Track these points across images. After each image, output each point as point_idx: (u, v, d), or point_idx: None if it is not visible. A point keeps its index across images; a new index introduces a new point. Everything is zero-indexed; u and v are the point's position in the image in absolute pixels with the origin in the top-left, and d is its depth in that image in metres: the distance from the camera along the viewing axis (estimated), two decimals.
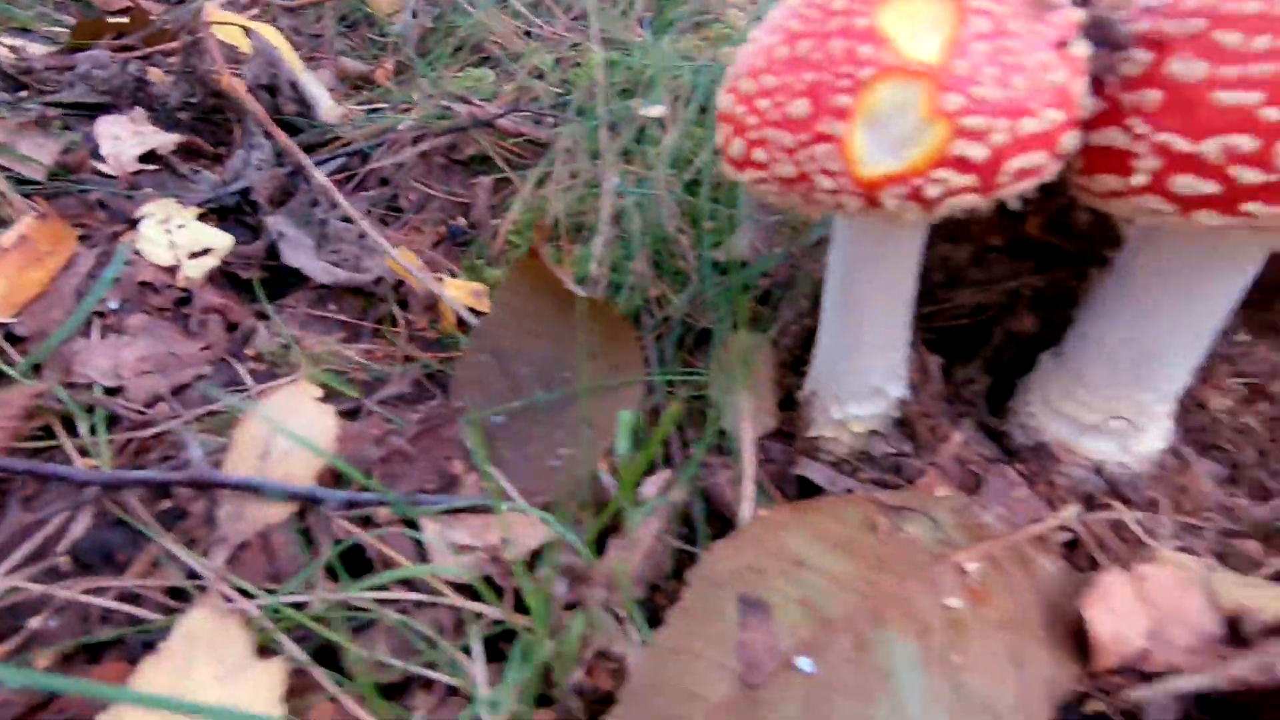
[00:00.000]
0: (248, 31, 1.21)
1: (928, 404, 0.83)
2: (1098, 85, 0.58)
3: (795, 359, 0.92)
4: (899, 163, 0.53)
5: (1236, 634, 0.60)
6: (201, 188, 1.18)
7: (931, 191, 0.53)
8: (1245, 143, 0.51)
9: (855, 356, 0.80)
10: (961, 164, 0.52)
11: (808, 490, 0.80)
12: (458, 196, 1.25)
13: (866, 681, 0.55)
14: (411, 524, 0.65)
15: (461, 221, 1.22)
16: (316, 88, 1.31)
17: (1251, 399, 0.85)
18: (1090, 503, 0.78)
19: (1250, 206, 0.53)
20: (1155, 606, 0.60)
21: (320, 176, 1.09)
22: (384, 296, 1.04)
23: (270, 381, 0.85)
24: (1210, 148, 0.52)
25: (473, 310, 0.95)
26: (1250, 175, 0.52)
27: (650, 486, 0.71)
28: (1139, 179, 0.57)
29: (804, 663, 0.56)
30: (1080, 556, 0.75)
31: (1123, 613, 0.60)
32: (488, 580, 0.59)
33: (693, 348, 0.94)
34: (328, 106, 1.29)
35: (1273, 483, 0.83)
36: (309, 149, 1.26)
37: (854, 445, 0.84)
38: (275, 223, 1.05)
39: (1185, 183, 0.54)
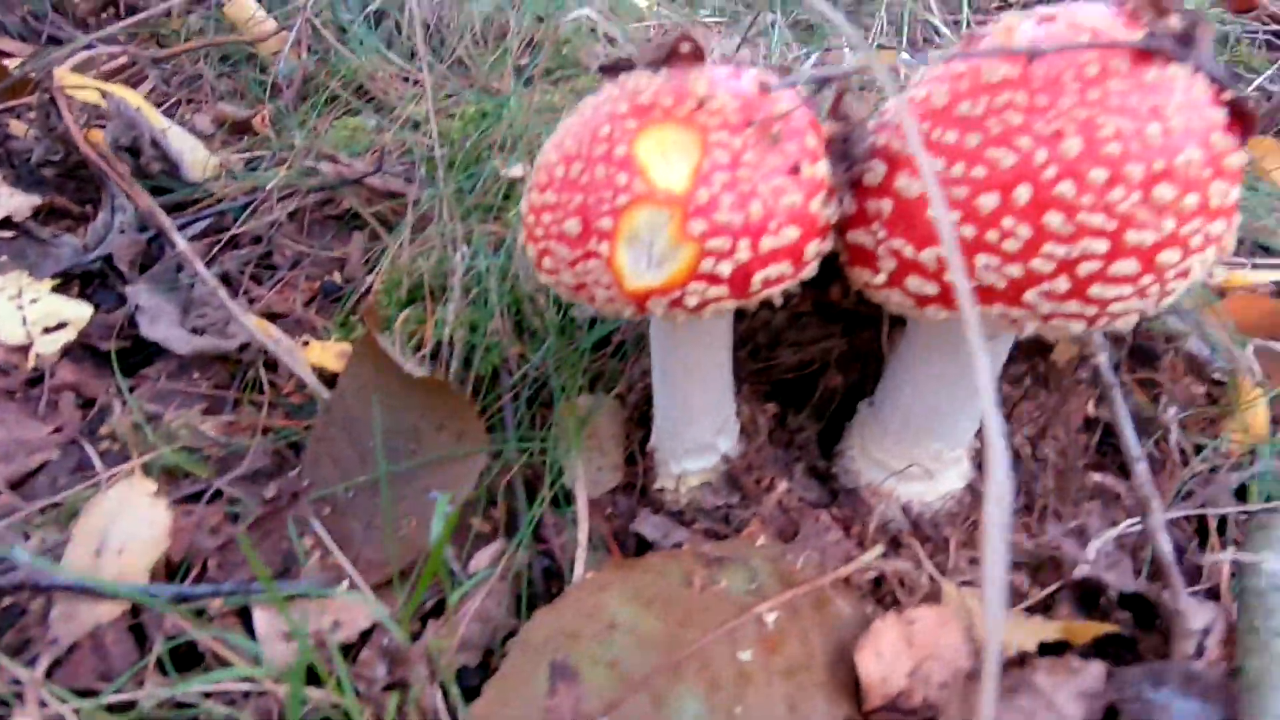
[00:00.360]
0: (103, 94, 1.19)
1: (754, 456, 0.90)
2: (856, 189, 0.65)
3: (643, 414, 0.98)
4: (659, 278, 0.59)
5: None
6: (63, 253, 1.17)
7: (690, 301, 0.60)
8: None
9: (684, 417, 0.86)
10: (713, 278, 0.58)
11: (644, 545, 0.86)
12: (332, 251, 1.27)
13: None
14: (246, 612, 0.68)
15: (336, 277, 1.24)
16: (185, 141, 1.31)
17: (1042, 436, 0.95)
18: (897, 543, 0.87)
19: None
20: (919, 647, 0.69)
21: (181, 242, 1.09)
22: (252, 361, 1.06)
23: (123, 464, 0.87)
24: (927, 256, 0.60)
25: (333, 378, 0.98)
26: (1092, 265, 0.59)
27: (484, 556, 0.75)
28: (881, 277, 0.65)
29: None
30: (885, 595, 0.83)
31: (889, 655, 0.68)
32: (312, 667, 0.63)
33: (549, 404, 0.99)
34: (196, 162, 1.28)
35: (1065, 509, 0.93)
36: (178, 208, 1.26)
37: (691, 497, 0.91)
38: (135, 291, 1.06)
39: (915, 283, 0.62)
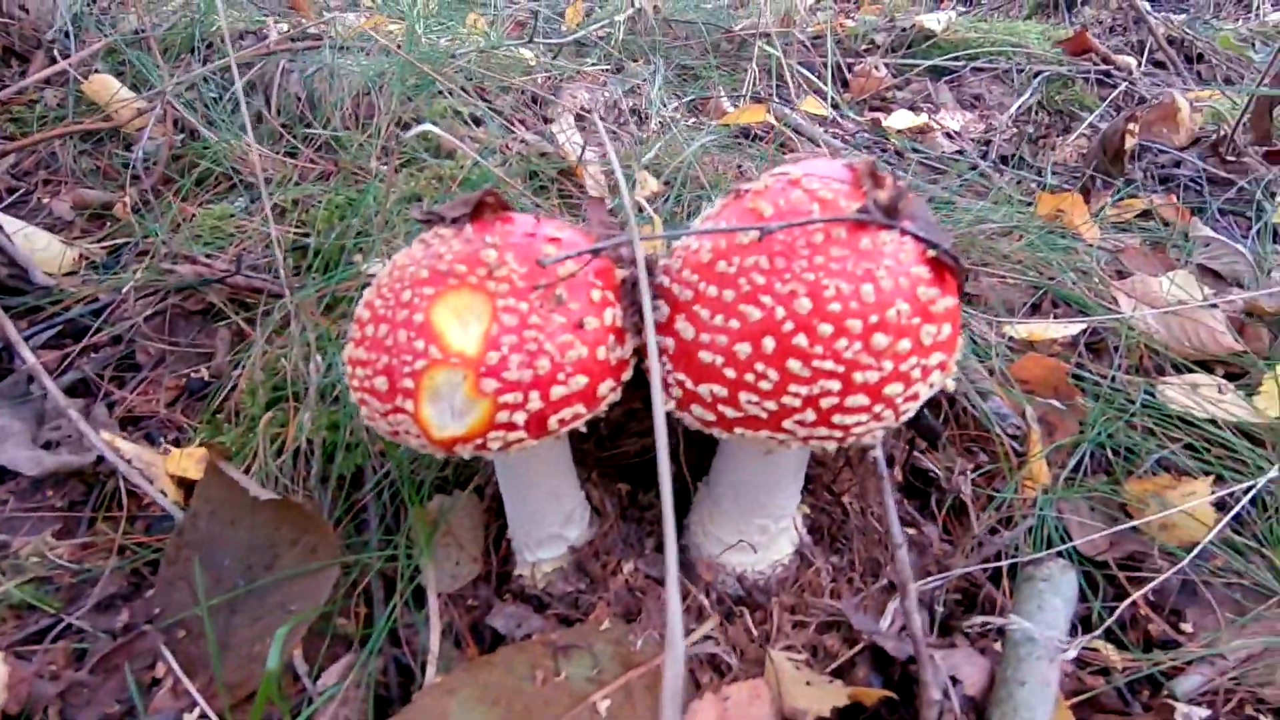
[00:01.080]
0: None
1: (601, 540, 0.97)
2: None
3: (501, 504, 1.04)
4: (462, 428, 0.65)
5: None
6: None
7: (494, 445, 0.66)
8: (719, 390, 0.68)
9: (528, 514, 0.93)
10: (510, 426, 0.65)
11: (498, 638, 0.92)
12: (199, 346, 1.27)
13: None
14: None
15: (203, 373, 1.25)
16: (37, 239, 1.29)
17: (864, 504, 1.06)
18: (731, 614, 0.96)
19: (739, 430, 0.70)
20: None
21: (29, 356, 1.08)
22: (110, 473, 1.06)
23: None
24: (703, 390, 0.69)
25: (193, 486, 1.00)
26: (730, 411, 0.68)
27: (336, 669, 0.80)
28: (672, 403, 0.73)
29: None
30: (721, 665, 0.92)
31: None
32: None
33: (424, 500, 1.04)
34: (49, 259, 1.27)
35: (883, 558, 1.04)
36: (32, 311, 1.24)
37: (546, 583, 0.97)
38: None
39: (698, 411, 0.71)
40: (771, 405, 0.66)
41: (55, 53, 1.72)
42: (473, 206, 0.72)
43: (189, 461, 1.06)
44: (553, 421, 0.67)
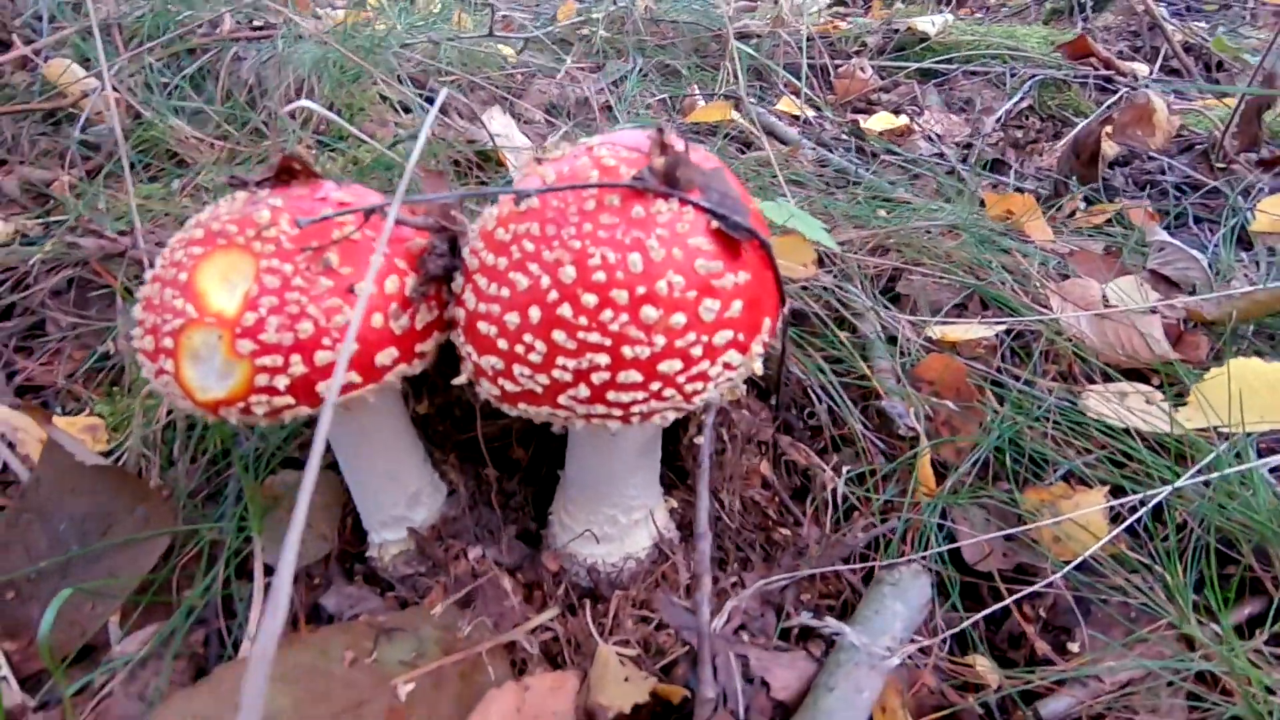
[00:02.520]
0: None
1: (447, 525, 0.95)
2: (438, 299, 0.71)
3: None
4: (223, 391, 0.64)
5: None
6: None
7: (259, 410, 0.65)
8: (496, 362, 0.65)
9: (368, 491, 0.91)
10: (272, 390, 0.64)
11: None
12: (109, 320, 1.29)
13: None
14: None
15: (109, 346, 1.27)
16: None
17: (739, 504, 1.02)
18: (574, 606, 0.92)
19: (522, 405, 0.67)
20: (525, 715, 0.74)
21: None
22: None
23: None
24: (485, 363, 0.66)
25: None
26: (508, 385, 0.66)
27: (134, 640, 0.79)
28: (465, 376, 0.71)
29: None
30: (557, 655, 0.89)
31: None
32: None
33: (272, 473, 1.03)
34: None
35: (752, 555, 1.00)
36: None
37: (393, 565, 0.95)
38: None
39: (485, 385, 0.68)
40: (544, 379, 0.63)
41: (23, 38, 1.78)
42: (275, 170, 0.71)
43: (75, 429, 1.07)
44: (323, 388, 0.65)
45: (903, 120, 2.43)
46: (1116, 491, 1.03)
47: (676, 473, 1.03)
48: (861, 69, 2.70)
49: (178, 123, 1.56)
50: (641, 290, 0.60)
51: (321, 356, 0.64)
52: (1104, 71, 2.78)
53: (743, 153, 2.04)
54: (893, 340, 1.26)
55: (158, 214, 1.40)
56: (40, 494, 0.90)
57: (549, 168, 0.66)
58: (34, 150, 1.69)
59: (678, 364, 0.63)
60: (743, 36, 2.88)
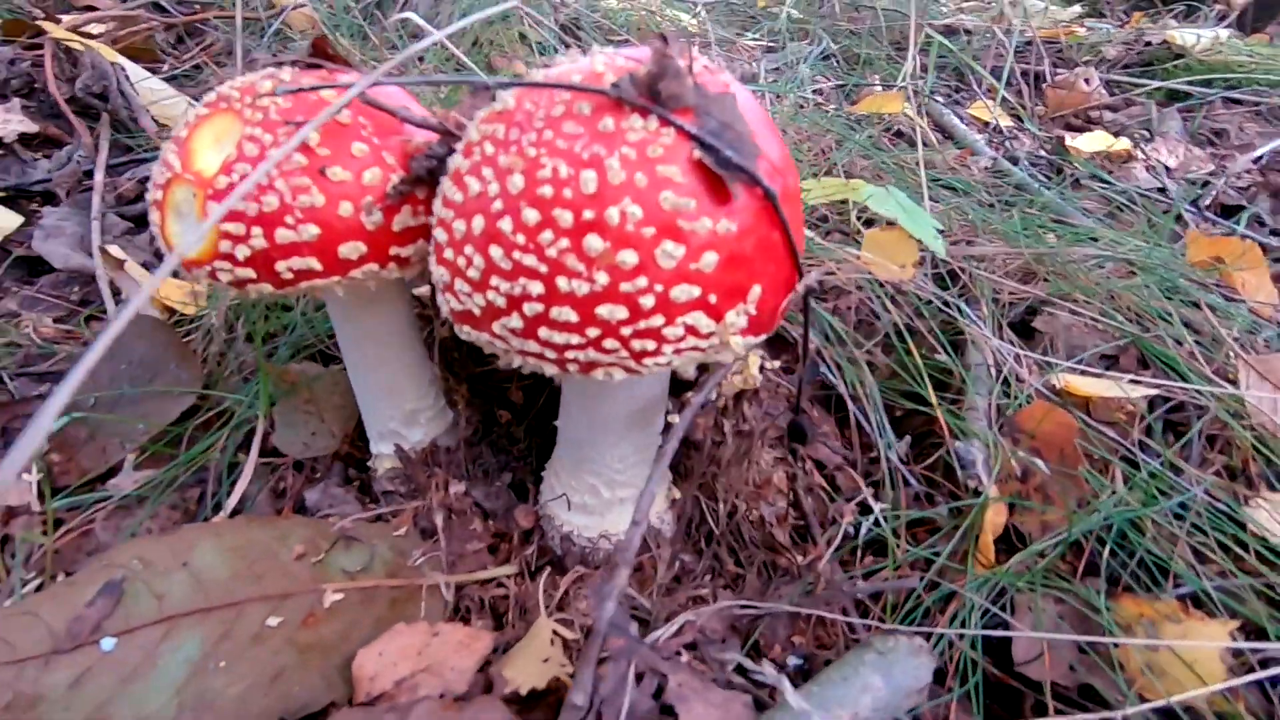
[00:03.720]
0: (85, 48, 1.43)
1: (436, 454, 0.92)
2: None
3: None
4: (196, 250, 0.64)
5: (487, 693, 0.67)
6: (38, 172, 1.41)
7: (223, 277, 0.65)
8: (443, 274, 0.59)
9: (367, 398, 0.91)
10: (232, 258, 0.63)
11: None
12: None
13: (139, 666, 0.67)
14: None
15: None
16: (157, 91, 1.53)
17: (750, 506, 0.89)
18: (534, 571, 0.86)
19: (465, 328, 0.61)
20: (425, 658, 0.69)
21: (99, 176, 1.29)
22: (116, 286, 1.22)
23: None
24: (437, 274, 0.61)
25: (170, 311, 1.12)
26: (452, 300, 0.60)
27: (127, 480, 0.85)
28: (424, 287, 0.66)
29: (107, 643, 0.69)
30: (505, 614, 0.83)
31: (392, 658, 0.69)
32: None
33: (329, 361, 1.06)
34: (162, 111, 1.50)
35: (748, 574, 0.87)
36: (128, 150, 1.47)
37: (386, 476, 0.95)
38: (50, 211, 1.26)
39: (443, 298, 0.63)
40: (480, 300, 0.57)
41: None
42: (309, 52, 0.71)
43: (181, 291, 1.19)
44: (281, 268, 0.63)
45: (1123, 144, 2.05)
46: (1254, 633, 0.77)
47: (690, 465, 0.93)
48: (1086, 80, 2.31)
49: (347, 44, 1.68)
50: (589, 215, 0.52)
51: (282, 234, 0.62)
52: None
53: (900, 146, 1.82)
54: (1003, 379, 1.04)
55: None
56: (127, 331, 1.00)
57: (542, 71, 0.59)
58: (245, 57, 1.91)
59: (621, 311, 0.53)
60: (950, 32, 2.59)
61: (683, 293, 0.54)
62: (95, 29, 1.58)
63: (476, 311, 0.58)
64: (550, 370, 0.58)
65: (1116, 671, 0.76)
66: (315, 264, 0.64)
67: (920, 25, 2.44)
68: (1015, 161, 1.90)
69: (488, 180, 0.55)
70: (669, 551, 0.87)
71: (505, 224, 0.54)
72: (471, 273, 0.56)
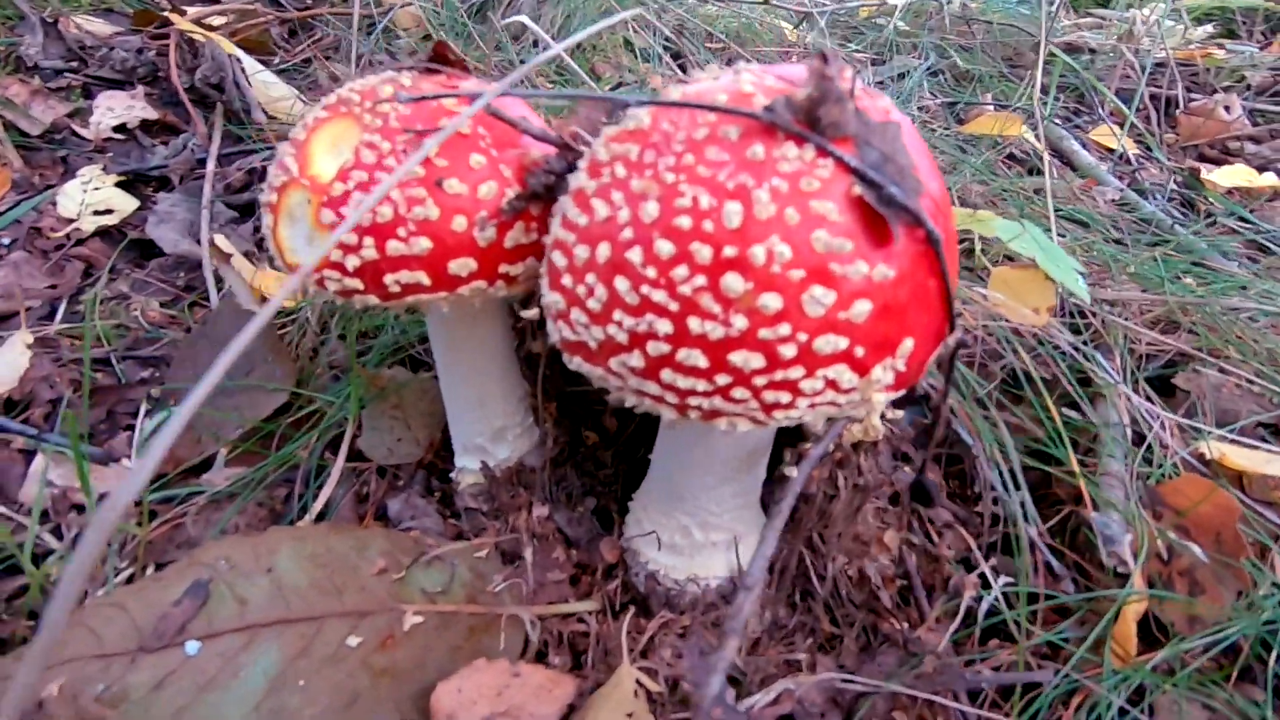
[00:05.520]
0: (205, 39, 1.47)
1: (523, 474, 0.89)
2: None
3: None
4: (307, 257, 0.62)
5: None
6: (156, 158, 1.46)
7: (330, 285, 0.63)
8: (558, 301, 0.55)
9: (456, 411, 0.88)
10: (342, 268, 0.61)
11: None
12: None
13: (220, 674, 0.66)
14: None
15: None
16: (279, 89, 1.56)
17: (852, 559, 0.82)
18: (618, 609, 0.81)
19: (577, 360, 0.57)
20: (505, 700, 0.65)
21: (210, 166, 1.32)
22: (219, 275, 1.25)
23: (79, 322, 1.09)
24: (549, 300, 0.57)
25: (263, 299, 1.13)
26: (565, 330, 0.56)
27: (220, 475, 0.85)
28: (534, 310, 0.62)
29: (191, 646, 0.68)
30: (583, 650, 0.79)
31: (471, 695, 0.65)
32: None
33: (422, 367, 1.05)
34: (273, 105, 1.53)
35: (849, 643, 0.80)
36: (240, 141, 1.51)
37: (465, 493, 0.92)
38: (163, 197, 1.30)
39: (550, 327, 0.59)
40: (598, 333, 0.52)
41: None
42: (429, 57, 0.69)
43: (273, 281, 1.20)
44: (389, 281, 0.61)
45: (1268, 180, 1.85)
46: None
47: (791, 513, 0.86)
48: (1226, 107, 2.11)
49: (452, 44, 1.69)
50: (730, 251, 0.46)
51: (394, 247, 0.59)
52: None
53: (1021, 173, 1.70)
54: (1140, 442, 0.94)
55: None
56: (217, 325, 1.02)
57: (680, 88, 0.54)
58: (351, 52, 1.95)
59: (757, 359, 0.48)
60: (1071, 50, 2.42)
61: (828, 344, 0.48)
62: (216, 20, 1.64)
63: (593, 345, 0.53)
64: (668, 415, 0.53)
65: None
66: (424, 278, 0.61)
67: (1044, 41, 2.29)
68: (1143, 194, 1.75)
69: (618, 205, 0.50)
70: (762, 605, 0.81)
71: (635, 254, 0.49)
72: (592, 303, 0.52)
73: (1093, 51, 2.44)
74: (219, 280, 1.19)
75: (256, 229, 1.39)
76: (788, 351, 0.48)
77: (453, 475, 0.94)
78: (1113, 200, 1.67)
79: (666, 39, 1.58)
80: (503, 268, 0.64)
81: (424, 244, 0.59)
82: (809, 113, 0.46)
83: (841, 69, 0.48)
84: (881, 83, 2.22)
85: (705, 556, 0.80)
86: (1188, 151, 2.10)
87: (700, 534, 0.79)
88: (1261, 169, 1.93)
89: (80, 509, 0.81)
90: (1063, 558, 0.84)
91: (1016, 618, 0.75)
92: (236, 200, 1.41)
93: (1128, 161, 1.90)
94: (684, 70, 1.52)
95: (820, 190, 0.46)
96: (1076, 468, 0.83)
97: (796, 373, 0.48)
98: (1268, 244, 1.58)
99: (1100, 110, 2.16)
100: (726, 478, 0.74)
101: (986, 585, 0.77)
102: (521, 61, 1.60)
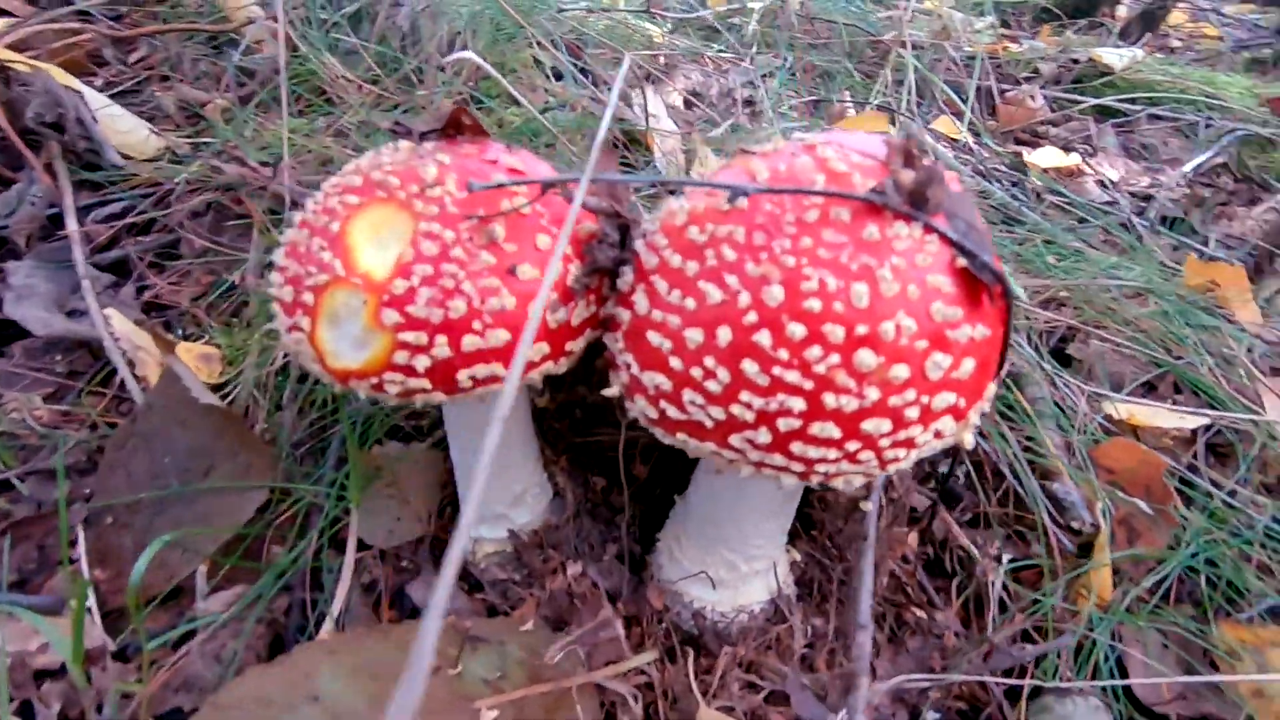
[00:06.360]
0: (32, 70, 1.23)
1: (550, 533, 0.87)
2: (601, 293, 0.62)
3: None
4: (358, 361, 0.56)
5: None
6: None
7: (392, 389, 0.57)
8: (663, 382, 0.55)
9: (472, 484, 0.83)
10: (409, 370, 0.56)
11: (418, 610, 0.84)
12: (240, 249, 1.28)
13: None
14: None
15: (235, 276, 1.25)
16: (126, 122, 1.34)
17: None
18: (674, 652, 0.82)
19: (682, 436, 0.57)
20: None
21: (71, 224, 1.12)
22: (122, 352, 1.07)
23: None
24: (648, 379, 0.57)
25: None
26: (673, 410, 0.56)
27: (219, 600, 0.74)
28: (616, 389, 0.61)
29: None
30: (650, 704, 0.79)
31: None
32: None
33: (393, 438, 0.97)
34: (131, 145, 1.32)
35: (879, 639, 0.87)
36: (98, 188, 1.29)
37: (485, 564, 0.88)
38: (15, 267, 1.08)
39: (641, 403, 0.59)
40: (718, 413, 0.53)
41: None
42: (444, 122, 0.64)
43: (190, 356, 1.05)
44: (463, 377, 0.57)
45: (1073, 159, 2.20)
46: None
47: (801, 520, 0.92)
48: (1032, 97, 2.46)
49: (331, 60, 1.54)
50: (863, 330, 0.49)
51: (469, 342, 0.55)
52: None
53: None
54: (1059, 410, 1.10)
55: (300, 149, 1.38)
56: (151, 421, 0.88)
57: (760, 163, 0.55)
58: (194, 70, 1.71)
59: (886, 424, 0.51)
60: (899, 45, 2.69)
61: (943, 401, 0.52)
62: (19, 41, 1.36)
63: (709, 424, 0.54)
64: (789, 481, 0.55)
65: (1232, 697, 0.82)
66: (500, 370, 0.58)
67: (891, 43, 2.52)
68: (989, 180, 2.01)
69: (733, 289, 0.51)
70: (801, 618, 0.85)
71: (763, 338, 0.50)
72: (711, 385, 0.52)
73: (919, 48, 2.73)
74: (130, 363, 1.02)
75: (140, 291, 1.21)
76: (912, 414, 0.51)
77: (467, 546, 0.89)
78: (970, 190, 1.90)
79: (570, 52, 1.55)
80: (568, 345, 0.62)
81: (501, 336, 0.56)
82: (916, 194, 0.49)
83: (913, 140, 0.52)
84: (752, 83, 2.34)
85: (749, 586, 0.84)
86: (1006, 137, 2.43)
87: (745, 566, 0.82)
88: (1066, 149, 2.29)
89: (50, 674, 0.67)
90: (1021, 523, 0.97)
91: (1019, 588, 0.86)
92: (105, 259, 1.20)
93: (970, 151, 2.16)
94: (596, 86, 1.50)
95: (932, 265, 0.50)
96: (1049, 443, 0.96)
97: (915, 430, 0.52)
98: (1086, 216, 1.89)
99: (938, 102, 2.43)
100: (773, 512, 0.77)
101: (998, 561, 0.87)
102: (466, 99, 1.49)
